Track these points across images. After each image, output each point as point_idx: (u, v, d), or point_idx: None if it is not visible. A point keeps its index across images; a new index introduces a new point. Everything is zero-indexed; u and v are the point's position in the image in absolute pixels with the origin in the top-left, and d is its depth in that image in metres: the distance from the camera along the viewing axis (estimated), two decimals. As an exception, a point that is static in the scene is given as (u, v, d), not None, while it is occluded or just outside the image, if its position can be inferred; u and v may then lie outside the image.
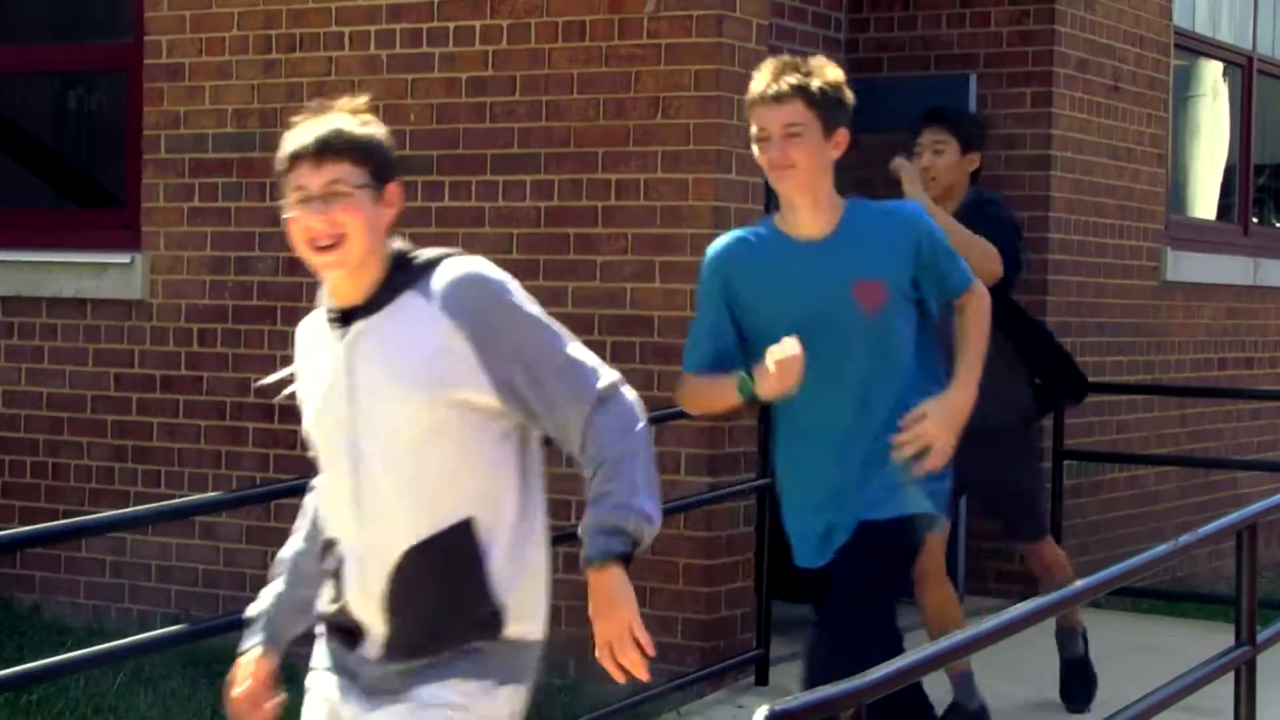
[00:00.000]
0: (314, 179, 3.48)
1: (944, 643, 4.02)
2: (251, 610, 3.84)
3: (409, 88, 7.91)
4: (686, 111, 7.36)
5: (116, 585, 8.52)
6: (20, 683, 5.57)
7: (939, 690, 6.55)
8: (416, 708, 3.48)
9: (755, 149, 4.89)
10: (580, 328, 7.49)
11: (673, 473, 7.35)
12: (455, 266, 3.52)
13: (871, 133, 9.40)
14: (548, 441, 3.69)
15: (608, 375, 3.59)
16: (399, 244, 3.60)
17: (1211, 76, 11.35)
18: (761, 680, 7.32)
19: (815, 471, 4.97)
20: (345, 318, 3.55)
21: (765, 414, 7.49)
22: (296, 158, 3.49)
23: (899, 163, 6.61)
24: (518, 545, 3.57)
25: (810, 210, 4.90)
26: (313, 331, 3.67)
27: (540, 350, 3.51)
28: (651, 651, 3.48)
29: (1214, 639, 6.21)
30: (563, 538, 7.31)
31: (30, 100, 9.90)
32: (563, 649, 7.56)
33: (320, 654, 3.72)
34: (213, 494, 7.90)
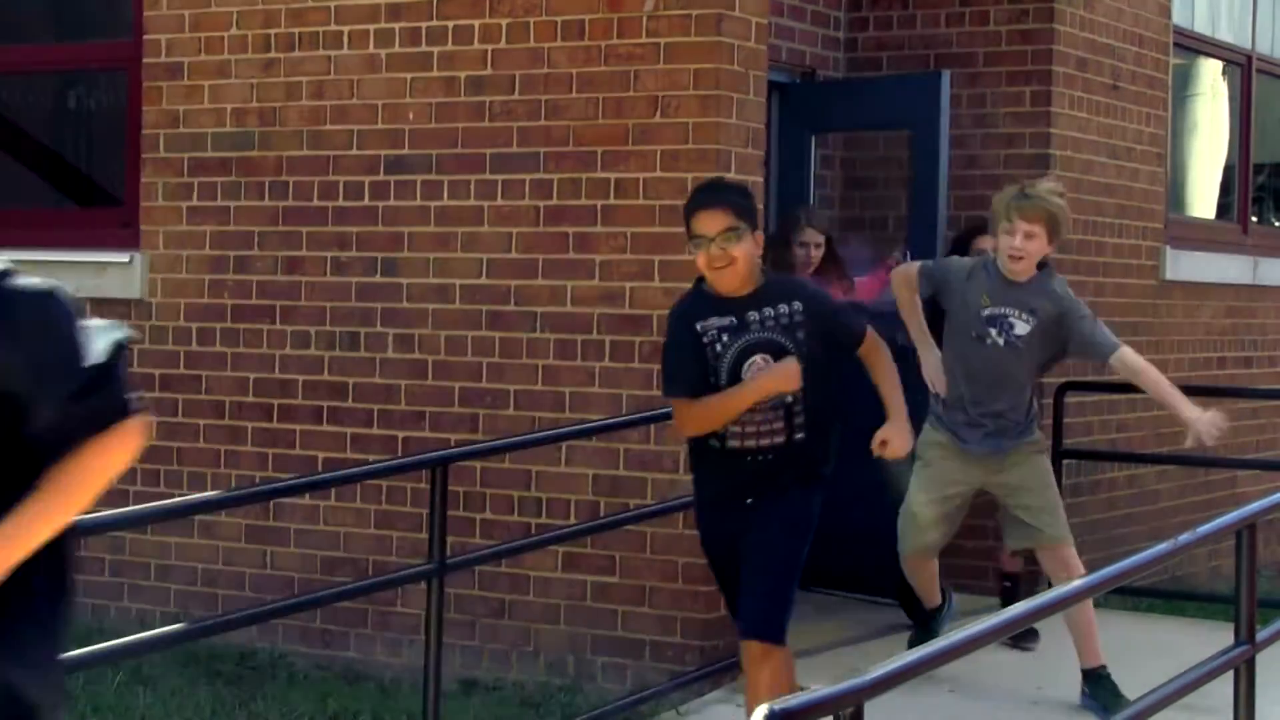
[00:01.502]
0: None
1: (942, 642, 4.02)
2: None
3: (408, 87, 7.91)
4: (686, 110, 7.36)
5: (115, 584, 8.53)
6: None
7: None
8: None
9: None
10: (579, 327, 7.53)
11: (672, 472, 7.35)
12: None
13: (844, 131, 9.46)
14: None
15: None
16: None
17: (1211, 75, 11.35)
18: (761, 679, 7.31)
19: None
20: None
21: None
22: None
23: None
24: None
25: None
26: None
27: None
28: None
29: (1213, 638, 6.21)
30: (562, 537, 7.36)
31: (30, 100, 9.89)
32: (563, 648, 7.59)
33: None
34: (212, 493, 7.90)
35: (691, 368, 5.66)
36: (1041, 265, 6.86)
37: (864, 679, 3.54)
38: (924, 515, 7.06)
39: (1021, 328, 6.84)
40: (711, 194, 5.75)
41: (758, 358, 5.63)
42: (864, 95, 9.19)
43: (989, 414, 6.94)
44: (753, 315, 5.66)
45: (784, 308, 5.67)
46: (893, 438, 5.80)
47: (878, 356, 5.85)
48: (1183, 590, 9.64)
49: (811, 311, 5.69)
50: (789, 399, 5.64)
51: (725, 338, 5.66)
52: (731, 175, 7.37)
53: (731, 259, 5.60)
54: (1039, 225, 6.72)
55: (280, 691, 7.55)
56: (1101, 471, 9.57)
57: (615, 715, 6.79)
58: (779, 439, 5.70)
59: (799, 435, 5.71)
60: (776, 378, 5.62)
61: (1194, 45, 10.77)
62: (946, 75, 8.68)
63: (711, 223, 5.60)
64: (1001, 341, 6.85)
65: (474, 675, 7.65)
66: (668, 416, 7.24)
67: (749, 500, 5.71)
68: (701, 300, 5.74)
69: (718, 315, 5.67)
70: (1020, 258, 6.74)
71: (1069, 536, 7.02)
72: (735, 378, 5.63)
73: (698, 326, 5.67)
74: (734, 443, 5.68)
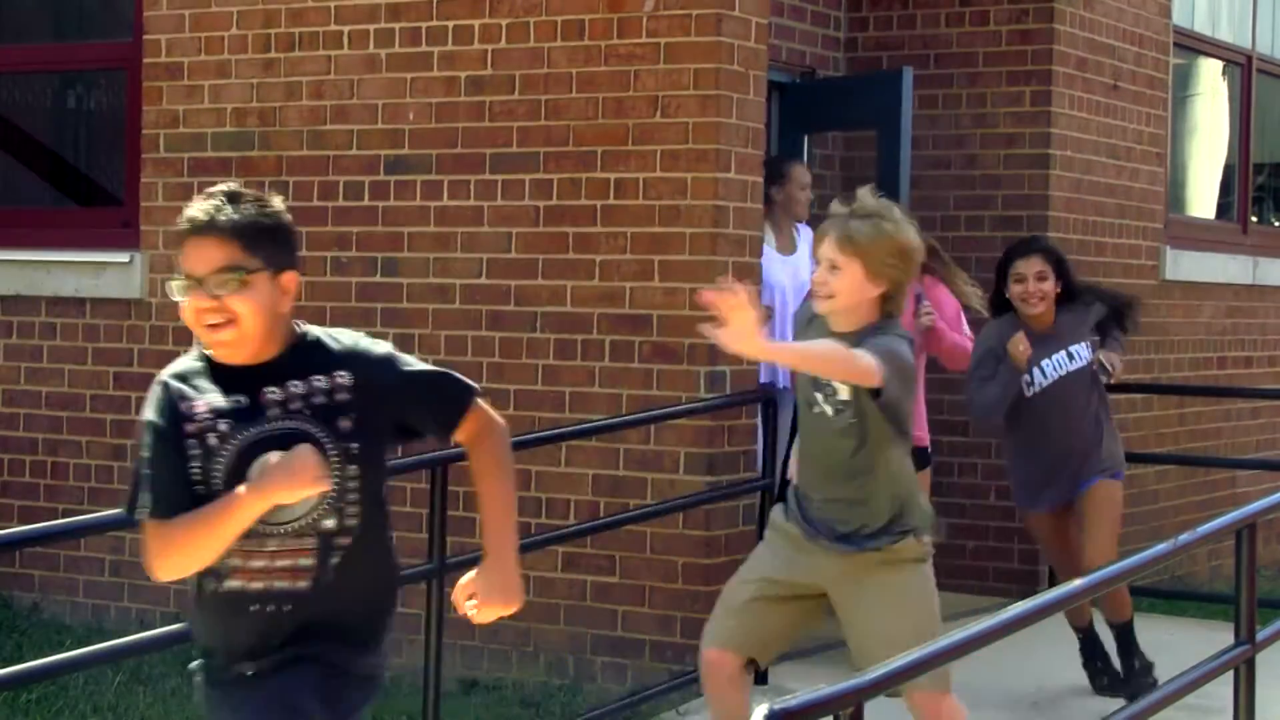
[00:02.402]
0: None
1: (942, 641, 4.01)
2: None
3: (408, 86, 7.91)
4: (685, 110, 7.36)
5: (115, 584, 8.52)
6: (19, 681, 5.56)
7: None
8: None
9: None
10: (579, 327, 7.53)
11: (672, 472, 7.35)
12: None
13: (826, 131, 9.46)
14: None
15: None
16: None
17: (1211, 75, 11.35)
18: (760, 679, 7.30)
19: None
20: None
21: (766, 414, 7.50)
22: None
23: None
24: None
25: None
26: None
27: None
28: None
29: (1213, 637, 6.21)
30: (563, 537, 7.36)
31: (30, 99, 9.90)
32: (562, 648, 7.58)
33: None
34: (212, 493, 7.88)
35: (167, 471, 3.61)
36: (889, 316, 5.22)
37: (864, 679, 3.54)
38: (732, 595, 5.45)
39: (845, 392, 5.20)
40: (213, 212, 3.64)
41: (272, 456, 3.59)
42: (839, 94, 9.23)
43: (831, 503, 5.30)
44: (272, 393, 3.66)
45: (321, 381, 3.67)
46: (483, 593, 3.90)
47: (484, 445, 3.86)
48: (1183, 590, 9.64)
49: (368, 384, 3.69)
50: (328, 523, 3.65)
51: (224, 426, 3.64)
52: (731, 175, 7.37)
53: (230, 316, 3.62)
54: (844, 255, 5.17)
55: (280, 691, 7.54)
56: (1101, 471, 9.56)
57: (615, 715, 6.79)
58: (303, 582, 3.65)
59: (336, 576, 3.66)
60: (284, 478, 3.54)
61: (1194, 45, 10.77)
62: (909, 72, 8.67)
63: (203, 257, 3.62)
64: (829, 410, 5.24)
65: (474, 675, 7.65)
66: (668, 416, 7.26)
67: (249, 671, 3.67)
68: (199, 367, 3.74)
69: (219, 391, 3.67)
70: (827, 295, 5.22)
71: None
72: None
73: (183, 407, 3.66)
74: (235, 583, 3.66)
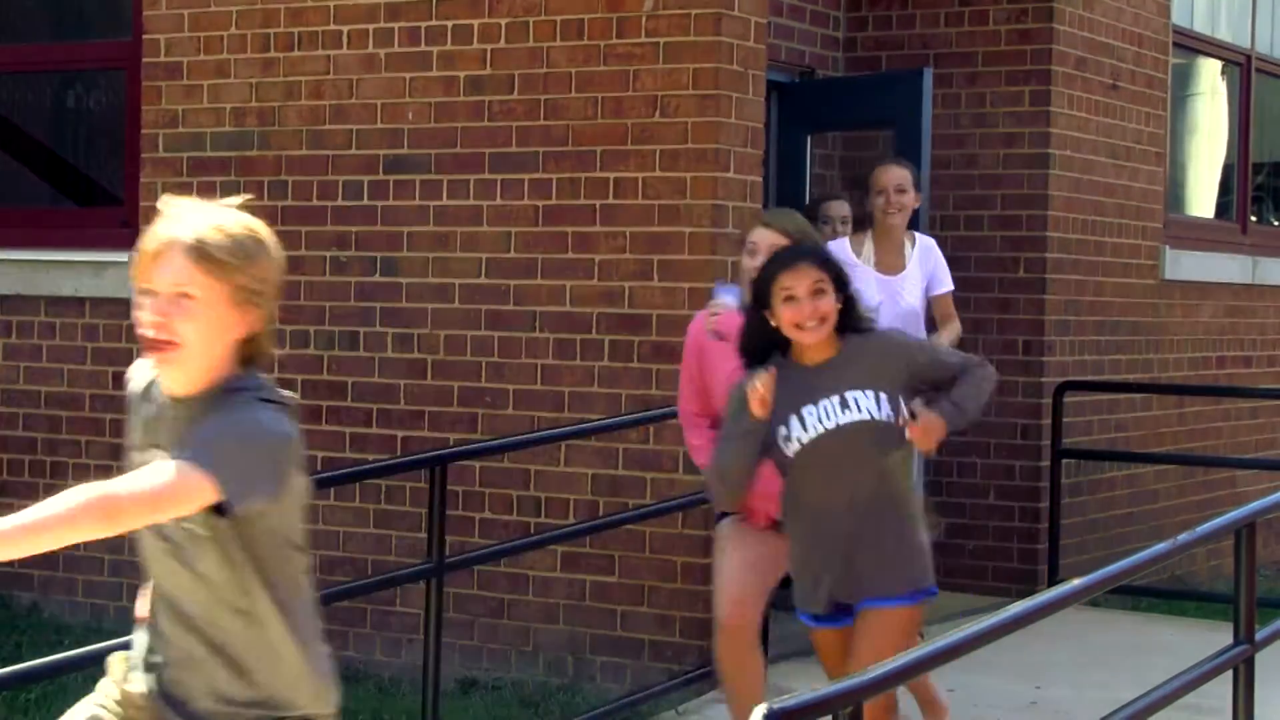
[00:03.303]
0: None
1: (941, 642, 4.02)
2: None
3: (407, 86, 7.91)
4: (685, 110, 7.36)
5: (115, 584, 8.52)
6: (19, 681, 5.56)
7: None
8: None
9: None
10: (579, 326, 7.53)
11: (671, 471, 7.35)
12: None
13: (835, 131, 9.46)
14: None
15: None
16: None
17: (1210, 75, 11.35)
18: (760, 679, 7.31)
19: None
20: None
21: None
22: None
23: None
24: None
25: None
26: None
27: None
28: None
29: (1213, 637, 6.21)
30: (561, 537, 7.36)
31: (29, 99, 9.89)
32: (562, 648, 7.58)
33: None
34: (211, 493, 7.89)
35: None
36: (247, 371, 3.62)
37: (864, 678, 3.55)
38: None
39: None
40: None
41: None
42: (851, 94, 9.21)
43: (180, 662, 3.75)
44: None
45: None
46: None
47: None
48: (1183, 590, 9.65)
49: None
50: None
51: None
52: (731, 175, 7.37)
53: None
54: (205, 275, 3.55)
55: (279, 691, 7.54)
56: (1101, 471, 9.56)
57: (614, 715, 6.79)
58: None
59: None
60: None
61: (1194, 45, 10.77)
62: (929, 72, 8.67)
63: None
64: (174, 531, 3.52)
65: (473, 675, 7.65)
66: (667, 416, 7.26)
67: None
68: None
69: None
70: (168, 340, 3.45)
71: None
72: None
73: None
74: None
